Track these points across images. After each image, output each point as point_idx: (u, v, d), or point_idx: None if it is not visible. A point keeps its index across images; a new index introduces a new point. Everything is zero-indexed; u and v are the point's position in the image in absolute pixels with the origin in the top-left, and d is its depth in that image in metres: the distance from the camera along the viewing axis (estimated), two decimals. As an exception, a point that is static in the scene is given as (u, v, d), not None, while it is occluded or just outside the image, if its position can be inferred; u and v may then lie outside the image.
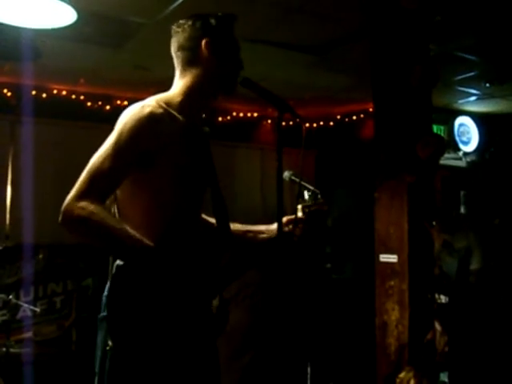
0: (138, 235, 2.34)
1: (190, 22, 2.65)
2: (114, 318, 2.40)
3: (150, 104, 2.49)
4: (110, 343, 2.37)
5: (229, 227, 2.71)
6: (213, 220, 2.79)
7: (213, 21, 2.65)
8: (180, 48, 2.66)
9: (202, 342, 2.51)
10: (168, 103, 2.55)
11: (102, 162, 2.37)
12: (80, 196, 2.31)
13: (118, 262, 2.46)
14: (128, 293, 2.37)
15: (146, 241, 2.35)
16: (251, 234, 2.92)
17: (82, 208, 2.28)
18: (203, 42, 2.60)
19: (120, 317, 2.37)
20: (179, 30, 2.66)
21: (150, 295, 2.36)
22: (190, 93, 2.62)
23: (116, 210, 2.55)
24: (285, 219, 2.81)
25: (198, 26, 2.63)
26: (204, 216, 2.86)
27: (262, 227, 2.93)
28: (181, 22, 2.67)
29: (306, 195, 2.91)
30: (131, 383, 2.41)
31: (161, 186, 2.48)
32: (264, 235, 2.90)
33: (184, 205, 2.56)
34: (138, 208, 2.50)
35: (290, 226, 2.84)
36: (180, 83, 2.65)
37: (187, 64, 2.64)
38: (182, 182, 2.53)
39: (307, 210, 2.86)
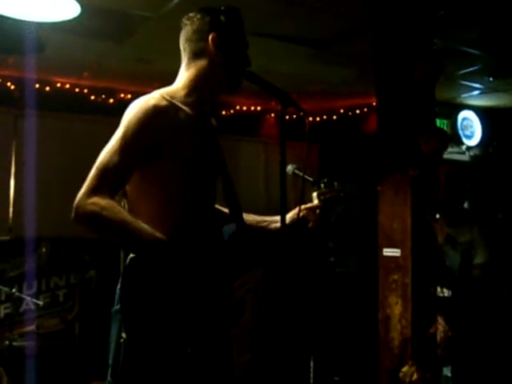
0: (149, 228, 2.36)
1: (199, 15, 2.65)
2: (128, 311, 2.40)
3: (153, 97, 2.51)
4: (123, 336, 2.37)
5: (241, 215, 2.72)
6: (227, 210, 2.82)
7: (222, 17, 2.65)
8: (188, 40, 2.67)
9: (215, 333, 2.52)
10: (172, 96, 2.57)
11: (110, 157, 2.39)
12: (91, 192, 2.33)
13: (132, 254, 2.46)
14: (141, 285, 2.38)
15: (158, 234, 2.36)
16: (265, 223, 2.93)
17: (94, 203, 2.31)
18: (210, 36, 2.60)
19: (133, 309, 2.38)
20: (188, 22, 2.67)
21: (163, 287, 2.37)
22: (194, 85, 2.64)
23: (126, 204, 2.56)
24: (302, 207, 2.86)
25: (207, 20, 2.63)
26: (218, 206, 2.87)
27: (276, 217, 2.93)
28: (191, 14, 2.68)
29: (322, 184, 2.92)
30: (145, 374, 2.42)
31: (169, 178, 2.49)
32: (278, 224, 2.92)
33: (194, 196, 2.57)
34: (148, 201, 2.52)
35: (305, 212, 2.86)
36: (185, 75, 2.67)
37: (193, 56, 2.65)
38: (191, 173, 2.54)
39: (323, 198, 2.88)
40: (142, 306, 2.37)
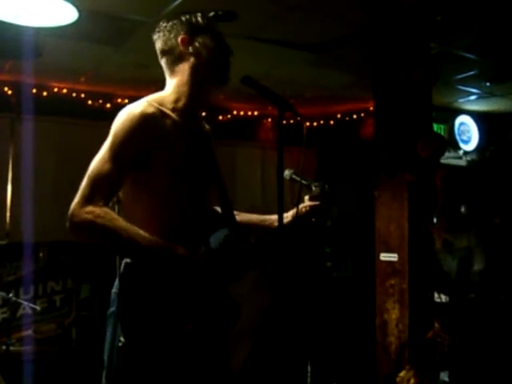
0: (145, 233, 2.38)
1: (164, 24, 2.71)
2: (126, 315, 2.41)
3: (140, 104, 2.52)
4: (122, 339, 2.37)
5: (234, 220, 2.72)
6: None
7: (183, 17, 2.69)
8: (162, 52, 2.71)
9: (212, 337, 2.53)
10: (161, 102, 2.58)
11: (100, 165, 2.42)
12: (84, 201, 2.36)
13: (126, 259, 2.47)
14: (138, 290, 2.39)
15: (154, 237, 2.38)
16: (267, 223, 2.92)
17: (88, 212, 2.34)
18: (179, 38, 2.64)
19: (132, 314, 2.38)
20: (159, 34, 2.72)
21: (160, 291, 2.38)
22: (182, 91, 2.65)
23: (121, 211, 2.57)
24: (303, 204, 2.85)
25: (172, 25, 2.69)
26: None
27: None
28: (158, 27, 2.74)
29: (313, 187, 2.91)
30: (140, 378, 2.43)
31: (158, 185, 2.50)
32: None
33: (184, 202, 2.57)
34: (140, 207, 2.54)
35: (307, 207, 2.86)
36: (172, 83, 2.68)
37: (173, 64, 2.68)
38: (180, 179, 2.53)
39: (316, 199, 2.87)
40: (141, 311, 2.38)
